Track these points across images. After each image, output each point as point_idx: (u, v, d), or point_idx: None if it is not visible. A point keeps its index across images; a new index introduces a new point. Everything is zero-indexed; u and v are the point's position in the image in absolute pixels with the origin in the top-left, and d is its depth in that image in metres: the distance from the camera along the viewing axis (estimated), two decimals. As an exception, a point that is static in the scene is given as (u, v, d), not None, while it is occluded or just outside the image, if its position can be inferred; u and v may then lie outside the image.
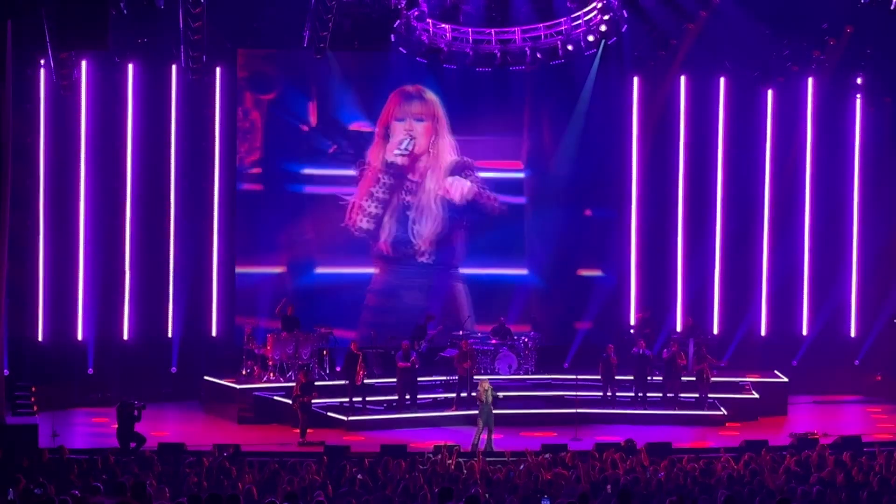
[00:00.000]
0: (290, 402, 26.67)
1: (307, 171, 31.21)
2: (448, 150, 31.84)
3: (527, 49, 28.49)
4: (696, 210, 32.70)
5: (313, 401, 26.50)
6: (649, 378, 28.85)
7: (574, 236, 32.09)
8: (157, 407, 28.13)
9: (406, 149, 31.45)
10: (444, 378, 29.12)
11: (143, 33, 28.96)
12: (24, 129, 28.51)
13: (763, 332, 32.82)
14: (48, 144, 29.53)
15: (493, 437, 25.19)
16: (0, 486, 15.91)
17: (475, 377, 27.71)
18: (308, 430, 26.11)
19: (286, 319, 29.05)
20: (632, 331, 30.86)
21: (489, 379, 26.90)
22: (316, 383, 27.16)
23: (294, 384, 26.79)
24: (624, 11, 28.27)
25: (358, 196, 31.33)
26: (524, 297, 31.94)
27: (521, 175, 32.15)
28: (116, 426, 24.81)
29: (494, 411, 25.50)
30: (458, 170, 31.74)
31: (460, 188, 31.71)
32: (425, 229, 31.53)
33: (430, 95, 31.78)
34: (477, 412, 25.68)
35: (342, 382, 28.21)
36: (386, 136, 31.42)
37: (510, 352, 29.82)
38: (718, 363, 29.63)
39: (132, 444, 24.28)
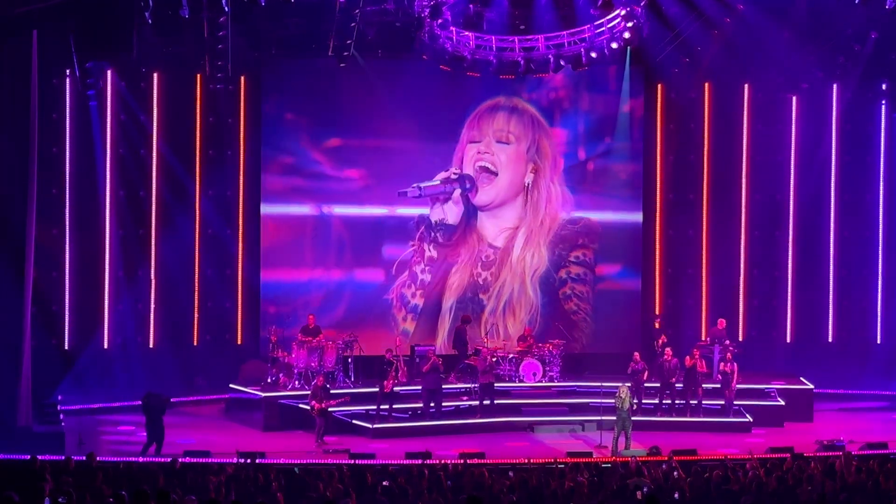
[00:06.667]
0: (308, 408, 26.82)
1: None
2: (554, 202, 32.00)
3: (550, 56, 28.47)
4: (721, 217, 32.65)
5: (330, 408, 26.55)
6: (675, 382, 28.72)
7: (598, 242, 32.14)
8: (183, 415, 28.24)
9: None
10: (468, 386, 29.12)
11: (169, 43, 29.05)
12: (50, 138, 28.64)
13: (789, 339, 32.75)
14: (74, 154, 29.66)
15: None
16: (28, 494, 16.00)
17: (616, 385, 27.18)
18: (332, 438, 26.18)
19: (307, 330, 29.09)
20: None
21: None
22: (332, 391, 27.20)
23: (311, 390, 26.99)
24: (647, 19, 28.23)
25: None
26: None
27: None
28: (145, 420, 25.05)
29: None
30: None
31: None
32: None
33: (528, 107, 31.74)
34: (614, 418, 26.03)
35: (366, 390, 28.26)
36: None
37: (535, 359, 29.80)
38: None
39: (152, 447, 24.54)
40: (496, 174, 31.59)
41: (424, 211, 31.40)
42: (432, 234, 31.42)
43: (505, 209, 31.84)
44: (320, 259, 31.24)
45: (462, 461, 21.40)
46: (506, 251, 31.83)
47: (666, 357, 28.63)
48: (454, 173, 31.30)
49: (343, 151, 31.17)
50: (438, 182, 31.23)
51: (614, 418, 26.11)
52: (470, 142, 31.46)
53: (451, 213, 31.43)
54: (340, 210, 31.22)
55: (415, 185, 31.01)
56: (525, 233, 31.80)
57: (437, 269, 31.52)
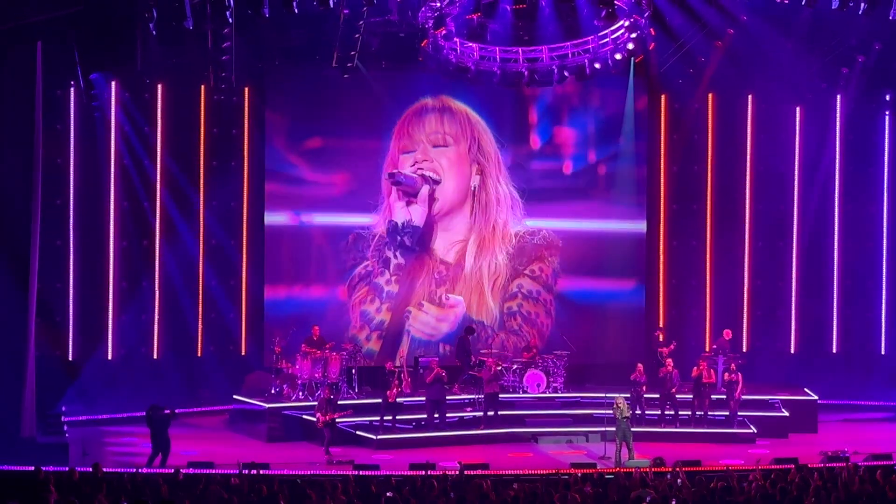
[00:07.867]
0: (314, 419, 26.77)
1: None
2: (504, 204, 31.63)
3: (554, 68, 28.50)
4: (725, 227, 32.65)
5: (338, 419, 26.52)
6: (676, 392, 28.68)
7: (600, 254, 32.08)
8: (187, 426, 28.21)
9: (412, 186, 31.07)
10: (472, 396, 29.10)
11: (173, 54, 29.05)
12: (54, 149, 28.68)
13: (793, 350, 32.73)
14: (78, 165, 29.69)
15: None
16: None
17: (614, 395, 27.03)
18: (336, 449, 26.17)
19: (311, 342, 29.07)
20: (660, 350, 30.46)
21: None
22: (339, 402, 27.14)
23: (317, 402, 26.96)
24: (651, 30, 28.27)
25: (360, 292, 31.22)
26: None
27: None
28: (150, 431, 25.00)
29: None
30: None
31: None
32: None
33: (460, 106, 31.46)
34: (613, 429, 26.05)
35: (370, 401, 28.24)
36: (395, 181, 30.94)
37: (538, 370, 29.79)
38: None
39: (157, 458, 24.50)
40: (439, 181, 31.17)
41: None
42: (398, 238, 30.96)
43: (454, 219, 31.22)
44: (320, 272, 31.28)
45: (458, 472, 21.30)
46: (458, 266, 31.36)
47: (667, 368, 28.62)
48: (419, 171, 30.91)
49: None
50: (416, 177, 30.95)
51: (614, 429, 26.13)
52: (403, 152, 30.95)
53: (415, 214, 31.07)
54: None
55: (396, 170, 30.70)
56: (477, 240, 31.26)
57: (404, 279, 31.19)
